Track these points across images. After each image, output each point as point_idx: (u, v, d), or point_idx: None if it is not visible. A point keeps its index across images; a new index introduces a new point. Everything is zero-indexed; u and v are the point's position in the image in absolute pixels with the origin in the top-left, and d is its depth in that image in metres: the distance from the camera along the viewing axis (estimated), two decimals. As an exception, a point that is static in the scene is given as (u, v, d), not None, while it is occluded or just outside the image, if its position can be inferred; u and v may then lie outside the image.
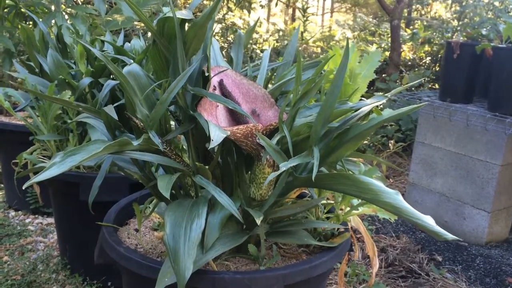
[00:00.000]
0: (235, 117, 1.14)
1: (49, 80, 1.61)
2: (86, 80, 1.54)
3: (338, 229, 1.21)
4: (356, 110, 0.98)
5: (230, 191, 1.17)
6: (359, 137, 0.96)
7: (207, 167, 1.13)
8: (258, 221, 0.91)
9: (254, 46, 5.62)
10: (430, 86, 4.28)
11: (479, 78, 2.39)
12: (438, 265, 2.22)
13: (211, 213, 0.99)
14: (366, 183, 0.91)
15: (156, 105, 0.93)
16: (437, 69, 4.48)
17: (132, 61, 1.51)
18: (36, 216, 2.32)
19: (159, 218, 1.28)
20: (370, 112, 0.99)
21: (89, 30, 2.14)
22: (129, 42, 1.85)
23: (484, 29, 2.57)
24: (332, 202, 1.25)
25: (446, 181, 2.46)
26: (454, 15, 5.16)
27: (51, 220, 2.28)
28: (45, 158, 1.70)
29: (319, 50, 6.60)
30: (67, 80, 1.56)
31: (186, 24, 0.99)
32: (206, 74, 1.02)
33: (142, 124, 0.95)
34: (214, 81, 1.08)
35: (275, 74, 1.33)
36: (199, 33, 0.97)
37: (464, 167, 2.36)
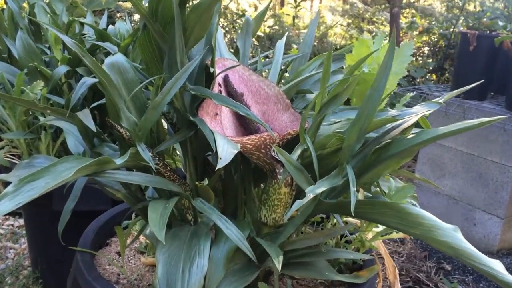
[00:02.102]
0: (243, 121, 0.93)
1: (18, 67, 1.37)
2: (61, 69, 1.30)
3: (359, 249, 1.02)
4: (395, 119, 0.78)
5: (233, 210, 0.97)
6: (404, 154, 0.76)
7: (207, 182, 0.92)
8: (279, 265, 0.71)
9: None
10: (434, 78, 4.11)
11: (495, 73, 2.21)
12: (447, 274, 2.06)
13: (215, 245, 0.78)
14: (414, 215, 0.71)
15: (147, 110, 0.72)
16: (440, 59, 4.30)
17: (116, 49, 1.28)
18: (7, 217, 2.09)
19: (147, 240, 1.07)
20: (414, 123, 0.79)
21: (68, 10, 1.90)
22: (113, 24, 1.62)
23: (499, 20, 2.38)
24: (353, 221, 1.05)
25: (456, 183, 2.29)
26: (444, 3, 4.97)
27: (23, 221, 2.05)
28: (14, 157, 1.47)
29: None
30: (39, 69, 1.33)
31: (187, 6, 0.78)
32: (211, 70, 0.81)
33: (128, 134, 0.73)
34: (218, 77, 0.87)
35: (287, 69, 1.12)
36: (203, 17, 0.75)
37: (476, 169, 2.19)
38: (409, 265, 2.12)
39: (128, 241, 1.13)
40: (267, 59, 1.08)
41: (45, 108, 0.78)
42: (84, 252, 0.94)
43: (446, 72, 4.30)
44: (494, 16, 3.31)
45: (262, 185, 1.04)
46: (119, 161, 0.66)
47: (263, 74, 1.04)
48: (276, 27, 5.20)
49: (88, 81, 1.11)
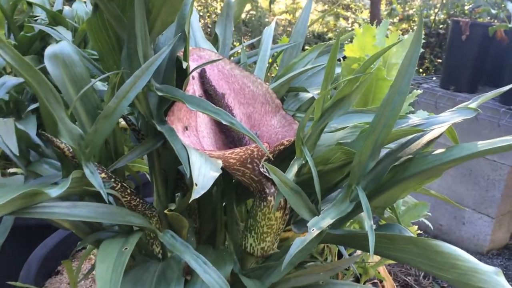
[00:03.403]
0: (224, 126, 0.76)
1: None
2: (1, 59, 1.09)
3: (361, 275, 0.87)
4: (420, 130, 0.62)
5: (210, 233, 0.80)
6: (429, 173, 0.60)
7: (174, 204, 0.75)
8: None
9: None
10: (417, 68, 3.99)
11: (487, 64, 2.08)
12: (436, 278, 1.95)
13: (189, 288, 0.61)
14: (445, 255, 0.56)
15: (97, 119, 0.53)
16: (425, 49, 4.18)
17: (70, 35, 1.08)
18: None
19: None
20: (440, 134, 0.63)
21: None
22: (71, 6, 1.41)
23: (484, 7, 2.24)
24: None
25: (444, 180, 2.16)
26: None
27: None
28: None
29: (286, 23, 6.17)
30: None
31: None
32: (184, 64, 0.63)
33: (71, 151, 0.55)
34: (193, 73, 0.69)
35: (276, 61, 0.95)
36: (172, -5, 0.57)
37: (466, 166, 2.07)
38: (396, 269, 1.99)
39: (84, 266, 0.95)
40: (252, 50, 0.90)
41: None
42: (26, 289, 0.75)
43: (426, 61, 4.20)
44: (477, 5, 3.19)
45: (246, 203, 0.87)
46: (55, 192, 0.47)
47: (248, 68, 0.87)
48: (253, 12, 4.97)
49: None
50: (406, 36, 0.95)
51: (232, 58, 0.93)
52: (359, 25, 5.00)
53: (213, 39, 0.82)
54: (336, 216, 0.57)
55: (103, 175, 0.58)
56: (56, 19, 1.22)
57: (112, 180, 0.59)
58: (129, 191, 0.61)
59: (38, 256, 0.83)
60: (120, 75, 0.62)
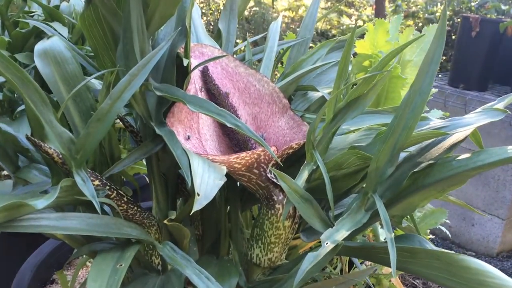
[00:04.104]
0: (228, 128, 0.71)
1: None
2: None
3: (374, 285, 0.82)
4: (443, 133, 0.57)
5: (214, 241, 0.75)
6: (453, 180, 0.55)
7: (174, 211, 0.71)
8: None
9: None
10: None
11: (497, 61, 2.02)
12: (445, 282, 1.89)
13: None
14: (472, 270, 0.51)
15: (88, 122, 0.48)
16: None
17: (59, 31, 1.03)
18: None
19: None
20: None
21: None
22: (68, 1, 1.36)
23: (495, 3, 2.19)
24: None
25: (453, 180, 2.11)
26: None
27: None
28: None
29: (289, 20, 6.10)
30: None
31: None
32: (185, 61, 0.58)
33: (61, 157, 0.50)
34: (195, 71, 0.64)
35: (282, 59, 0.90)
36: (172, -15, 0.52)
37: (476, 166, 2.01)
38: (404, 271, 1.94)
39: (81, 274, 0.90)
40: (256, 47, 0.85)
41: None
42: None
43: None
44: (484, 1, 3.13)
45: (252, 208, 0.82)
46: (41, 203, 0.42)
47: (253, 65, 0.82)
48: (256, 8, 4.91)
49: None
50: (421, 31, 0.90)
51: (236, 55, 0.88)
52: (364, 22, 4.94)
53: (216, 35, 0.77)
54: (351, 228, 0.52)
55: (96, 182, 0.53)
56: (52, 14, 1.18)
57: (107, 187, 0.54)
58: (125, 199, 0.56)
59: (32, 264, 0.79)
60: (115, 73, 0.57)
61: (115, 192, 0.55)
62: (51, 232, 0.47)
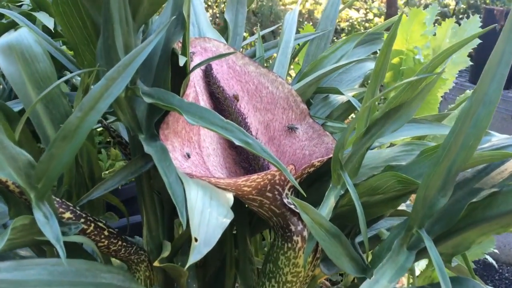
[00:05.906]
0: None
1: None
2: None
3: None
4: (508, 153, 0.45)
5: (217, 273, 0.64)
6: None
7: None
8: None
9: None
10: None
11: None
12: None
13: None
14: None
15: (50, 143, 0.36)
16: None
17: (52, 23, 0.90)
18: None
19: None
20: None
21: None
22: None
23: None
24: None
25: (473, 184, 1.99)
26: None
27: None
28: None
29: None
30: None
31: None
32: (182, 59, 0.46)
33: (18, 186, 0.38)
34: (196, 71, 0.52)
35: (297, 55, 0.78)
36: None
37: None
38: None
39: None
40: (269, 42, 0.73)
41: None
42: None
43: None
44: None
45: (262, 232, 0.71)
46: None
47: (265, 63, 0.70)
48: (264, 1, 4.77)
49: None
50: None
51: (244, 51, 0.76)
52: (374, 14, 4.80)
53: (222, 28, 0.65)
54: (394, 278, 0.40)
55: (68, 214, 0.41)
56: (40, 4, 1.06)
57: (82, 220, 0.42)
58: (106, 233, 0.45)
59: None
60: (95, 74, 0.45)
61: (92, 225, 0.43)
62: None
